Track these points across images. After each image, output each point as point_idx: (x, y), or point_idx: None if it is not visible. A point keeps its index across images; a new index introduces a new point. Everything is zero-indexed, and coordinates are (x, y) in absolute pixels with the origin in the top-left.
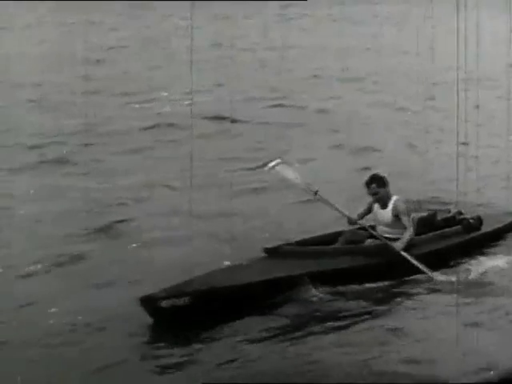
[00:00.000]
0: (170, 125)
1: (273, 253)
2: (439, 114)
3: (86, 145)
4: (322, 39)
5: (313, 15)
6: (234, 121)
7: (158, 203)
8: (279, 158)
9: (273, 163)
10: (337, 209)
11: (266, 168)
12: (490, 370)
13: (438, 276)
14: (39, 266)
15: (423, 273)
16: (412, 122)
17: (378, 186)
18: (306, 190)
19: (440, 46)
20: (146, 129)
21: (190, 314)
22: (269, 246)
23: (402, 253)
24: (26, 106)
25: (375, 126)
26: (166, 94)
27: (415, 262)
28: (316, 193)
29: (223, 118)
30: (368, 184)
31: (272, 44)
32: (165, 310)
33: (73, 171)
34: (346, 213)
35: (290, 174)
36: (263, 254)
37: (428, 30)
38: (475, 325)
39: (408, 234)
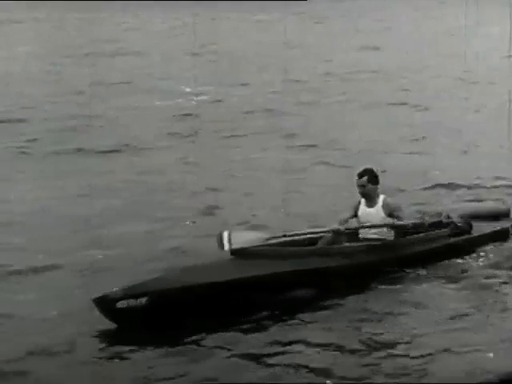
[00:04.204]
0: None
1: (238, 254)
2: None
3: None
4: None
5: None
6: (269, 111)
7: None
8: (222, 232)
9: (226, 243)
10: (314, 232)
11: (225, 249)
12: None
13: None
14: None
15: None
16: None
17: (368, 180)
18: (275, 237)
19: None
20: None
21: (150, 315)
22: (234, 247)
23: (405, 222)
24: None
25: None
26: (188, 89)
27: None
28: (285, 235)
29: (268, 110)
30: (360, 175)
31: (276, 41)
32: (121, 311)
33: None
34: (327, 228)
35: (248, 237)
36: (229, 256)
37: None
38: None
39: (410, 222)
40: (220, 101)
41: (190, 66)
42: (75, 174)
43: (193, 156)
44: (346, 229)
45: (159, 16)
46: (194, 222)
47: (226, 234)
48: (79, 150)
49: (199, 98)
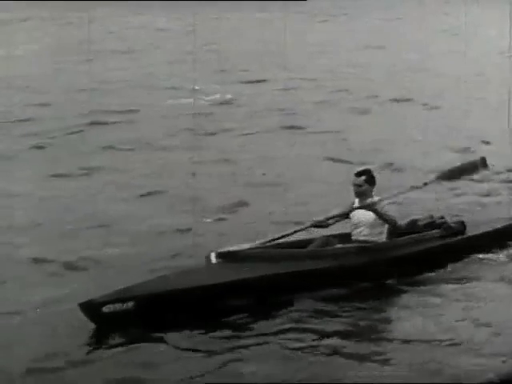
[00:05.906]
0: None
1: (226, 257)
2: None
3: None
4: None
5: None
6: (279, 110)
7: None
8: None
9: (213, 258)
10: (296, 231)
11: (214, 262)
12: None
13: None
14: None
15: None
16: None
17: (366, 180)
18: (265, 242)
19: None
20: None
21: (137, 319)
22: (221, 250)
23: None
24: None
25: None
26: (198, 87)
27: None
28: (273, 239)
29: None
30: (358, 174)
31: (278, 39)
32: (107, 315)
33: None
34: (308, 224)
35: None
36: (217, 259)
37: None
38: None
39: (403, 223)
40: (229, 99)
41: (196, 65)
42: (88, 172)
43: (203, 155)
44: (326, 219)
45: (160, 15)
46: (216, 220)
47: (213, 254)
48: (91, 147)
49: (209, 97)
